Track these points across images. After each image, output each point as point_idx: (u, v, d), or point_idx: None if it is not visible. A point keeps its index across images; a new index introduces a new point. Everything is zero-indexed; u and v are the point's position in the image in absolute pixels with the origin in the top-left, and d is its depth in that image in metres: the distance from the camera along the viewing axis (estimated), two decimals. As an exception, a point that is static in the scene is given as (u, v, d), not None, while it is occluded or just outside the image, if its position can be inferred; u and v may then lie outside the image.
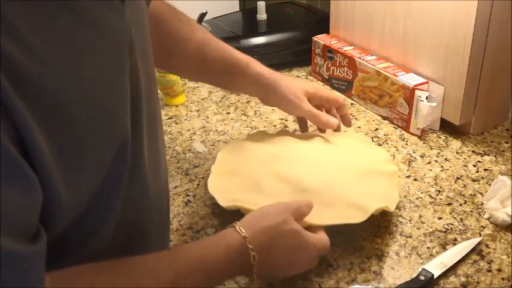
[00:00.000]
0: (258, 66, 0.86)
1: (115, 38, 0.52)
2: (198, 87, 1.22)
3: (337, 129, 0.91)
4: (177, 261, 0.58)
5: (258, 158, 0.83)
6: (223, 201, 0.74)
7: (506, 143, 0.98)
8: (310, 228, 0.68)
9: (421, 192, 0.85)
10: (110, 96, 0.51)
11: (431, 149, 0.97)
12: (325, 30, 1.24)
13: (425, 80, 0.99)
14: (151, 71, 0.64)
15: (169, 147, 1.00)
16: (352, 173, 0.80)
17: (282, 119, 1.07)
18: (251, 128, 1.05)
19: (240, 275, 0.67)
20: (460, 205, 0.82)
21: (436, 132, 1.01)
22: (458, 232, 0.77)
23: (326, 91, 0.90)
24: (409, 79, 1.00)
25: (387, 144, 0.99)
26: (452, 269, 0.70)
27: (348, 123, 0.94)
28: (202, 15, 1.20)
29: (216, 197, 0.75)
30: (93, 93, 0.49)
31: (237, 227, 0.63)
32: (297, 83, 0.90)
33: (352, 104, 1.13)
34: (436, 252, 0.73)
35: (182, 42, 0.86)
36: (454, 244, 0.74)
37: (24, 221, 0.44)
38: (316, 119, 0.88)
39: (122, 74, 0.53)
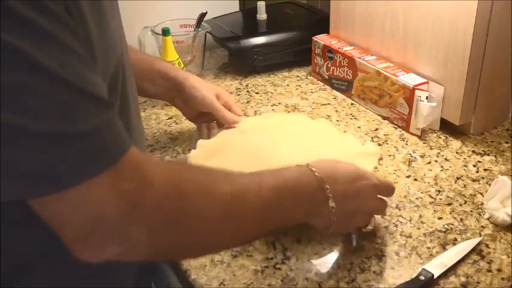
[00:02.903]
0: (166, 64, 0.94)
1: None
2: (198, 87, 1.22)
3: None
4: (254, 174, 0.62)
5: (237, 160, 0.84)
6: None
7: (506, 143, 0.98)
8: None
9: (421, 192, 0.85)
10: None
11: (431, 149, 0.97)
12: (325, 30, 1.24)
13: (425, 80, 0.99)
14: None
15: (169, 147, 1.00)
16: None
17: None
18: (251, 128, 1.05)
19: (313, 205, 0.66)
20: (460, 205, 0.82)
21: (436, 132, 1.01)
22: (458, 232, 0.77)
23: (231, 98, 0.98)
24: (409, 79, 1.00)
25: (387, 144, 0.99)
26: (452, 269, 0.70)
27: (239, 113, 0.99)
28: (202, 15, 1.20)
29: None
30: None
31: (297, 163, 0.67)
32: (205, 82, 0.96)
33: (352, 104, 1.13)
34: (436, 252, 0.73)
35: None
36: (454, 244, 0.74)
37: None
38: (222, 114, 0.93)
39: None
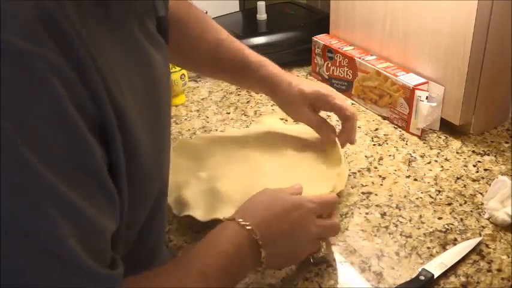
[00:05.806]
0: (266, 69, 0.85)
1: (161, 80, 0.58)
2: (198, 87, 1.22)
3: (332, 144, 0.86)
4: (195, 262, 0.58)
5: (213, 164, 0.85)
6: (201, 216, 0.76)
7: (506, 143, 0.98)
8: None
9: (421, 192, 0.85)
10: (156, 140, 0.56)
11: (431, 149, 0.97)
12: (325, 30, 1.24)
13: (425, 80, 0.99)
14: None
15: (169, 147, 1.00)
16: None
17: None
18: (251, 128, 1.05)
19: (253, 264, 0.64)
20: (460, 205, 0.82)
21: (436, 132, 1.01)
22: (458, 232, 0.77)
23: (337, 98, 0.84)
24: (409, 79, 1.00)
25: (387, 144, 0.99)
26: (452, 269, 0.70)
27: (350, 140, 0.86)
28: (202, 15, 1.20)
29: (193, 215, 0.77)
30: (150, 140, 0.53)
31: (223, 219, 0.65)
32: (303, 85, 0.85)
33: (352, 104, 1.13)
34: (436, 252, 0.73)
35: (196, 43, 0.87)
36: (454, 244, 0.74)
37: (105, 244, 0.46)
38: (315, 129, 0.87)
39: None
